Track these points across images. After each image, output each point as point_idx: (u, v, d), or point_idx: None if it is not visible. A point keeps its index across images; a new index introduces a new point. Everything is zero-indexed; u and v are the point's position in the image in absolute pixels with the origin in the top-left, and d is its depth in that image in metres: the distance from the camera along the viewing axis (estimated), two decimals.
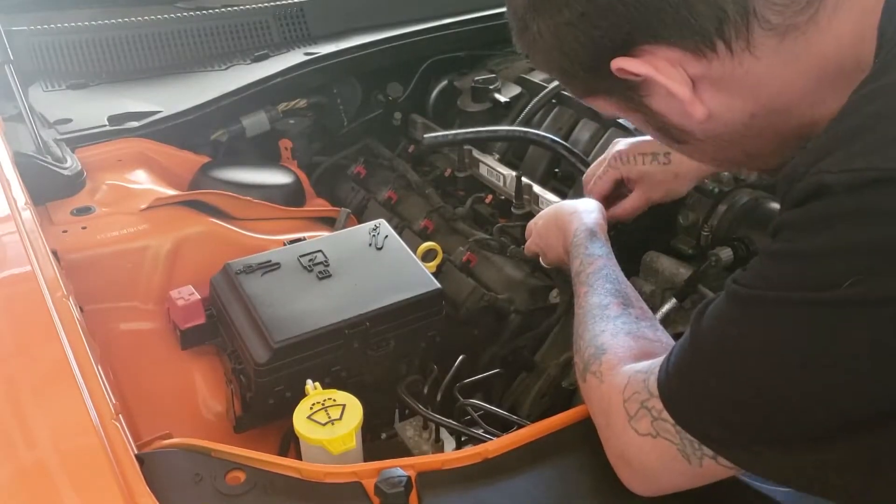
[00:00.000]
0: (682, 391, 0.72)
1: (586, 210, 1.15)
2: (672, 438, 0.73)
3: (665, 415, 0.73)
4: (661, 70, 0.70)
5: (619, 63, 0.71)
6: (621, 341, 0.86)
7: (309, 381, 0.99)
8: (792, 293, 0.62)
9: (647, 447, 0.75)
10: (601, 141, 1.49)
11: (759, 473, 0.71)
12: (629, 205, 1.28)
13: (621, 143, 1.28)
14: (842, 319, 0.60)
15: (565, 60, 0.75)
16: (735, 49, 0.68)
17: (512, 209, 1.51)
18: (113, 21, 1.81)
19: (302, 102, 1.80)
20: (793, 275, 0.63)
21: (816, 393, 0.62)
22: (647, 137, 1.27)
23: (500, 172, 1.56)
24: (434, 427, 1.09)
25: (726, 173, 1.31)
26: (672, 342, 0.82)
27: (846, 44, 0.67)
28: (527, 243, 1.30)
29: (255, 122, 1.74)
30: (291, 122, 1.81)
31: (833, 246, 0.60)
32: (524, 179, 1.49)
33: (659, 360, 0.76)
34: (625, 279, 0.99)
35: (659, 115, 0.76)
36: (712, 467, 0.72)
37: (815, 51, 0.68)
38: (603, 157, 1.31)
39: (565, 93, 1.62)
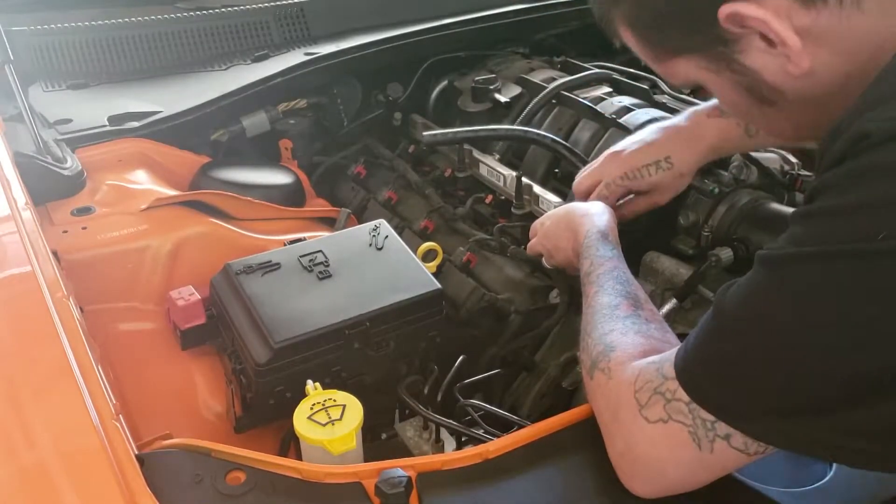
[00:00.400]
0: (701, 364, 0.72)
1: (597, 213, 1.15)
2: (684, 420, 0.73)
3: (679, 394, 0.73)
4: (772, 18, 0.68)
5: (733, 7, 0.68)
6: (631, 339, 0.86)
7: (309, 382, 0.99)
8: (821, 247, 0.62)
9: (657, 435, 0.75)
10: (601, 141, 1.49)
11: (773, 444, 0.70)
12: (633, 209, 1.28)
13: (616, 166, 1.24)
14: (873, 273, 0.59)
15: (664, 6, 0.72)
16: (844, 1, 0.67)
17: (512, 209, 1.51)
18: (113, 21, 1.81)
19: (302, 102, 1.80)
20: (824, 230, 0.62)
21: (842, 350, 0.62)
22: (640, 141, 1.25)
23: (500, 172, 1.56)
24: (434, 427, 1.09)
25: (726, 173, 1.31)
26: (680, 344, 0.82)
27: None
28: (531, 242, 1.30)
29: (255, 122, 1.74)
30: (291, 122, 1.81)
31: (867, 200, 0.60)
32: (524, 179, 1.49)
33: (672, 351, 0.76)
34: (635, 282, 0.99)
35: (752, 72, 0.73)
36: (723, 452, 0.72)
37: None
38: (592, 168, 1.28)
39: (565, 93, 1.62)
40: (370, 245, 1.26)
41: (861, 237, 0.59)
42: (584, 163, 1.43)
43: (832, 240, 0.61)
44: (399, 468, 0.79)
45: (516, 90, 1.74)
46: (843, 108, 0.71)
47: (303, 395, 0.97)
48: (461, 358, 1.17)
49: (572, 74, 1.69)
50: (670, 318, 1.22)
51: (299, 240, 1.32)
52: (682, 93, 1.60)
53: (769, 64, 0.72)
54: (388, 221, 1.34)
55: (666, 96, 1.61)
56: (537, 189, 1.48)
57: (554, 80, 1.68)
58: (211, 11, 1.89)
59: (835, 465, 0.85)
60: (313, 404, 0.93)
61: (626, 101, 1.56)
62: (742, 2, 0.68)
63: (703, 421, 0.72)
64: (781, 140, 1.07)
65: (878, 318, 0.60)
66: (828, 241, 0.61)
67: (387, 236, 1.27)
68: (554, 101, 1.63)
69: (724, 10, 0.68)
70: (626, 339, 0.86)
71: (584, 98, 1.58)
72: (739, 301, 0.69)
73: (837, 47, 0.69)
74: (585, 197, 1.28)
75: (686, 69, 0.77)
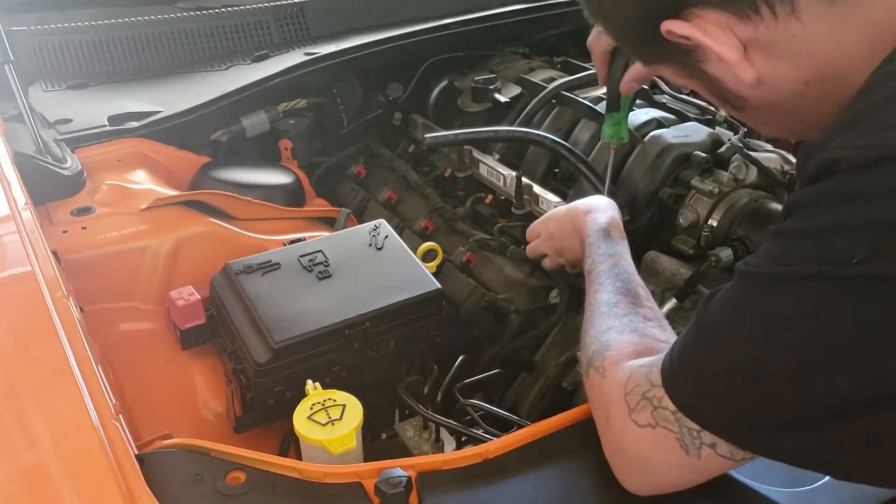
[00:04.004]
0: (684, 374, 0.73)
1: (601, 209, 1.15)
2: (671, 427, 0.73)
3: (666, 402, 0.74)
4: (709, 33, 0.69)
5: (667, 26, 0.70)
6: (626, 338, 0.86)
7: (309, 382, 0.99)
8: (798, 268, 0.63)
9: (646, 438, 0.75)
10: (601, 142, 1.49)
11: (758, 453, 0.71)
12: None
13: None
14: (848, 296, 0.60)
15: (624, 26, 0.76)
16: (779, 13, 0.67)
17: (512, 209, 1.51)
18: (113, 21, 1.81)
19: (302, 102, 1.80)
20: (800, 251, 0.63)
21: (820, 370, 0.62)
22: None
23: (500, 172, 1.56)
24: (434, 427, 1.09)
25: (726, 173, 1.31)
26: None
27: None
28: (533, 244, 1.29)
29: (255, 122, 1.74)
30: (291, 122, 1.81)
31: (841, 223, 0.61)
32: (524, 179, 1.49)
33: (662, 354, 0.77)
34: (637, 278, 0.99)
35: (715, 80, 0.75)
36: (710, 458, 0.72)
37: (866, 18, 0.66)
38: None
39: (565, 93, 1.62)
40: (370, 245, 1.26)
41: (836, 261, 0.60)
42: (585, 163, 1.43)
43: (808, 261, 0.62)
44: (399, 468, 0.79)
45: (516, 90, 1.74)
46: (812, 114, 0.73)
47: (303, 395, 0.97)
48: (461, 358, 1.17)
49: (572, 74, 1.69)
50: (670, 318, 1.22)
51: (299, 240, 1.32)
52: (681, 92, 1.60)
53: (725, 73, 0.73)
54: (388, 221, 1.34)
55: (666, 96, 1.61)
56: (537, 189, 1.48)
57: (554, 80, 1.68)
58: (211, 11, 1.89)
59: None
60: (313, 404, 0.93)
61: None
62: (676, 20, 0.70)
63: (689, 430, 0.72)
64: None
65: (853, 339, 0.61)
66: (804, 262, 0.63)
67: (387, 236, 1.27)
68: (554, 101, 1.63)
69: (663, 28, 0.71)
70: (622, 337, 0.86)
71: (584, 98, 1.58)
72: (720, 315, 0.70)
73: (786, 56, 0.70)
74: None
75: (665, 73, 0.80)
